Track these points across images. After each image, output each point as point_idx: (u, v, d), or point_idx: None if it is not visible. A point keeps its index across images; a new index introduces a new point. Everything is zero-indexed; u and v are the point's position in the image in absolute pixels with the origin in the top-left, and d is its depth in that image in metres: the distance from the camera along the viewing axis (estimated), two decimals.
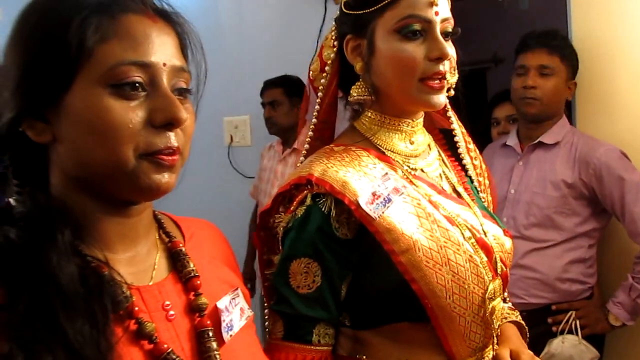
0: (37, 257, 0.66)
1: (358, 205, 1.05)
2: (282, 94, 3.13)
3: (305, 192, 1.10)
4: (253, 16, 3.54)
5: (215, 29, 3.51)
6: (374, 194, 1.06)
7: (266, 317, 1.15)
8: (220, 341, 0.80)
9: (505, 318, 1.25)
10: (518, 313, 1.30)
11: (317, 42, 3.13)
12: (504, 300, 1.24)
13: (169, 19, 0.77)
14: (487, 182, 1.34)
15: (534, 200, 2.12)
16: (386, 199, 1.06)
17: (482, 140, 1.98)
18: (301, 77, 3.21)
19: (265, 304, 1.18)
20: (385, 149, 1.16)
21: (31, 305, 0.63)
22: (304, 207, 1.09)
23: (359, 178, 1.08)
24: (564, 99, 2.16)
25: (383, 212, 1.05)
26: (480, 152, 1.36)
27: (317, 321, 1.08)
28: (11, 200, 0.73)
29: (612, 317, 2.07)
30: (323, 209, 1.07)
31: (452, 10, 1.13)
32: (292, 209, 1.11)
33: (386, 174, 1.11)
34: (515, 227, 2.12)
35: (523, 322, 1.28)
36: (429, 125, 1.26)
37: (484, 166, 1.34)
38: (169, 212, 0.91)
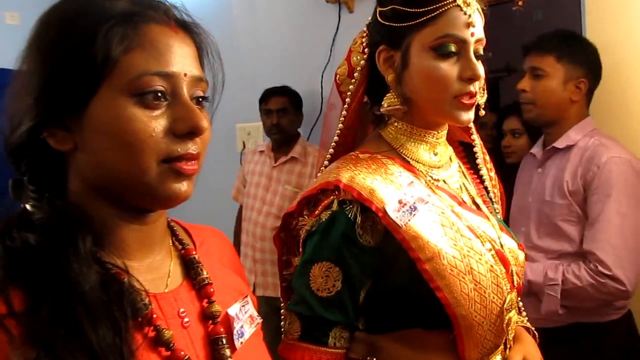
0: (58, 263, 0.67)
1: (385, 213, 1.05)
2: (288, 102, 3.18)
3: (332, 197, 1.10)
4: (267, 24, 3.56)
5: (229, 36, 3.53)
6: (400, 202, 1.07)
7: (282, 318, 1.16)
8: (233, 348, 0.80)
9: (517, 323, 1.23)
10: (526, 319, 1.29)
11: (331, 51, 3.15)
12: (519, 312, 1.24)
13: (189, 30, 0.78)
14: (499, 193, 1.35)
15: (544, 209, 1.98)
16: (412, 207, 1.07)
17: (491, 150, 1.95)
18: (314, 86, 3.22)
19: (282, 305, 1.19)
20: (411, 158, 1.16)
21: (54, 311, 0.64)
22: (330, 212, 1.09)
23: (386, 186, 1.08)
24: (566, 100, 1.98)
25: (409, 220, 1.05)
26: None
27: (334, 324, 1.09)
28: (27, 206, 0.73)
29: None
30: (349, 215, 1.07)
31: None
32: (316, 213, 1.12)
33: (412, 182, 1.11)
34: (529, 237, 2.01)
35: (532, 328, 1.27)
36: (449, 138, 1.26)
37: (495, 177, 1.35)
38: (181, 218, 0.91)
